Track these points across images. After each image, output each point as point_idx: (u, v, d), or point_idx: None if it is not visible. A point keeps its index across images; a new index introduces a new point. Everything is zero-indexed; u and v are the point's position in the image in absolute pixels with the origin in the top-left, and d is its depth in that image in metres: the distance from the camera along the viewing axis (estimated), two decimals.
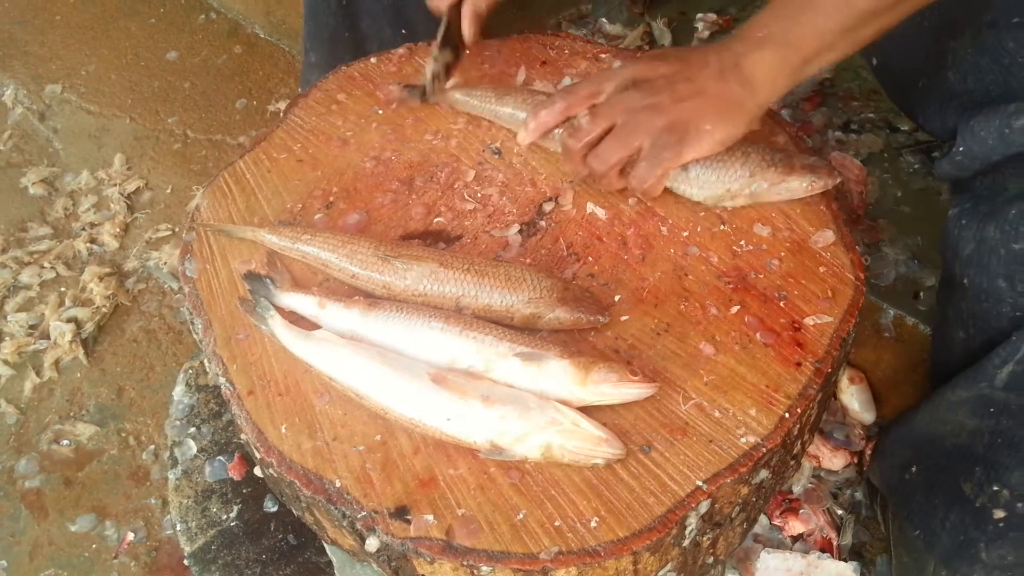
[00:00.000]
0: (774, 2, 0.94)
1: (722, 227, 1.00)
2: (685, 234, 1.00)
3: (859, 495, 1.31)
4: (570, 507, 0.80)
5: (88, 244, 1.78)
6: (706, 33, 1.68)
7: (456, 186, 1.08)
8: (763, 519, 1.26)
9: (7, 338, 1.63)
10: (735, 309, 0.93)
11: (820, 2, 0.89)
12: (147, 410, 1.53)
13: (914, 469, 1.06)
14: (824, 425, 1.33)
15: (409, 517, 0.80)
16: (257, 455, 0.89)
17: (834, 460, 1.32)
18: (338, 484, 0.83)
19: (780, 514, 1.28)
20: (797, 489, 1.30)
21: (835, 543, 1.26)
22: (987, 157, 0.92)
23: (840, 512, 1.29)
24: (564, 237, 1.02)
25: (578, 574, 0.78)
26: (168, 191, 1.88)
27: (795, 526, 1.27)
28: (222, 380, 0.92)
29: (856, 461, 1.33)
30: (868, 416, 1.35)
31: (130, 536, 1.36)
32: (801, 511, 1.28)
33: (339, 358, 0.88)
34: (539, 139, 1.06)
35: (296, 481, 0.84)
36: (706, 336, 0.91)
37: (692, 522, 0.82)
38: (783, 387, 0.87)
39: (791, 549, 1.25)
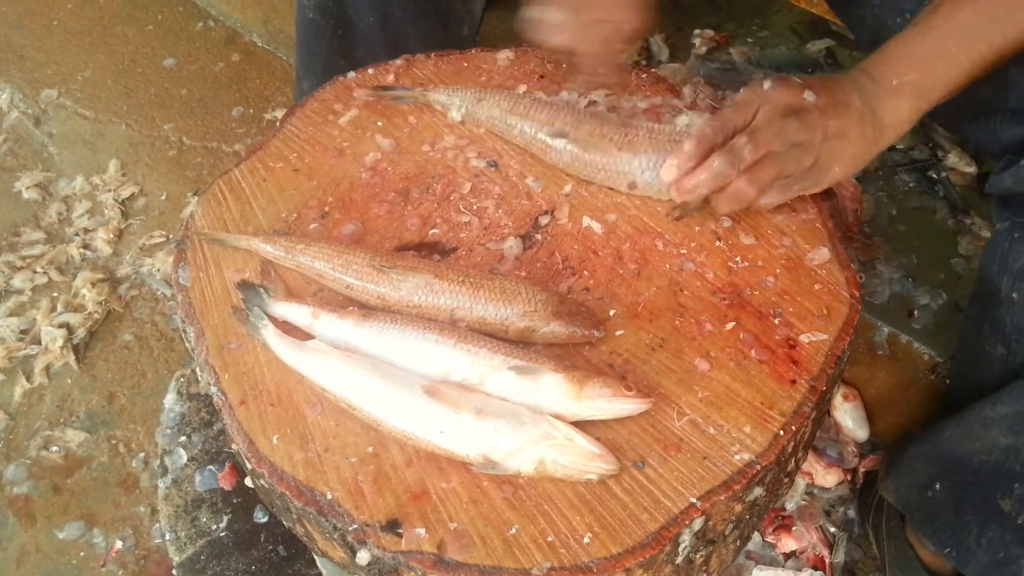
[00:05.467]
0: (906, 48, 0.96)
1: (718, 243, 1.00)
2: (681, 250, 1.00)
3: (852, 513, 1.31)
4: (563, 522, 0.80)
5: (81, 249, 1.77)
6: (703, 49, 1.68)
7: (452, 198, 1.08)
8: (756, 536, 1.26)
9: None
10: (730, 325, 0.93)
11: (953, 55, 0.92)
12: (138, 417, 1.52)
13: (938, 486, 1.05)
14: (817, 442, 1.33)
15: (400, 530, 0.80)
16: (248, 465, 0.89)
17: (827, 477, 1.32)
18: (329, 496, 0.82)
19: (773, 531, 1.27)
20: (790, 506, 1.30)
21: (828, 561, 1.26)
22: None
23: (833, 530, 1.29)
24: (560, 251, 1.02)
25: None
26: (163, 198, 1.87)
27: (788, 543, 1.27)
28: (214, 389, 0.92)
29: (849, 479, 1.33)
30: (861, 434, 1.35)
31: (118, 544, 1.35)
32: (794, 528, 1.28)
33: (332, 369, 0.88)
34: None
35: (287, 492, 0.83)
36: (701, 352, 0.91)
37: (685, 539, 0.81)
38: (778, 404, 0.87)
39: (783, 567, 1.24)
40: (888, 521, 1.21)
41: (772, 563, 1.25)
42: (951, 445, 1.06)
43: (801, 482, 1.32)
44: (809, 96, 0.96)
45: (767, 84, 0.98)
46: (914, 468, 1.12)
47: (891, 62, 0.97)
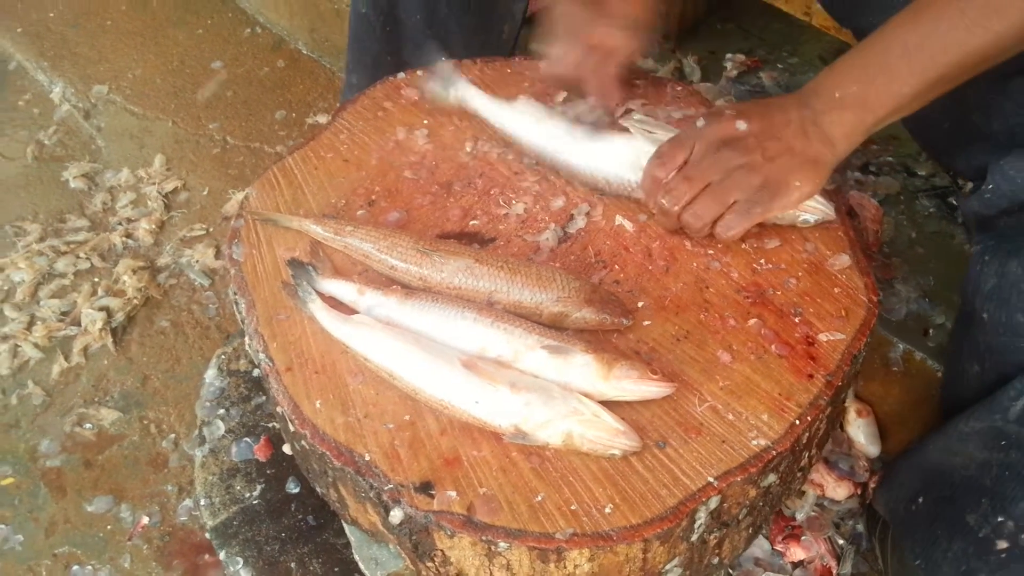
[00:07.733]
0: (849, 61, 0.98)
1: (743, 245, 1.05)
2: (708, 250, 1.05)
3: (860, 527, 1.33)
4: (586, 493, 0.84)
5: (124, 238, 1.83)
6: (734, 72, 1.74)
7: (492, 192, 1.13)
8: (765, 544, 1.29)
9: (39, 322, 1.67)
10: (752, 322, 0.98)
11: (895, 68, 0.93)
12: (170, 400, 1.56)
13: (921, 500, 1.08)
14: (829, 455, 1.36)
15: (433, 492, 0.84)
16: (291, 428, 0.94)
17: (838, 490, 1.35)
18: (367, 458, 0.87)
19: (782, 540, 1.30)
20: (800, 516, 1.32)
21: (835, 572, 1.28)
22: (1015, 196, 0.97)
23: (841, 542, 1.32)
24: (593, 245, 1.07)
25: (591, 556, 0.82)
26: (205, 193, 1.94)
27: (796, 552, 1.29)
28: (262, 356, 0.97)
29: (859, 492, 1.36)
30: (873, 449, 1.38)
31: (145, 520, 1.39)
32: (803, 538, 1.30)
33: (375, 341, 0.93)
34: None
35: (328, 453, 0.88)
36: (723, 345, 0.96)
37: (701, 516, 0.85)
38: (795, 396, 0.91)
39: (791, 575, 1.27)
40: (892, 534, 1.24)
41: (780, 571, 1.27)
42: (935, 458, 1.09)
43: (812, 493, 1.34)
44: (742, 125, 0.99)
45: (700, 121, 1.02)
46: (902, 482, 1.15)
47: (835, 75, 0.99)
